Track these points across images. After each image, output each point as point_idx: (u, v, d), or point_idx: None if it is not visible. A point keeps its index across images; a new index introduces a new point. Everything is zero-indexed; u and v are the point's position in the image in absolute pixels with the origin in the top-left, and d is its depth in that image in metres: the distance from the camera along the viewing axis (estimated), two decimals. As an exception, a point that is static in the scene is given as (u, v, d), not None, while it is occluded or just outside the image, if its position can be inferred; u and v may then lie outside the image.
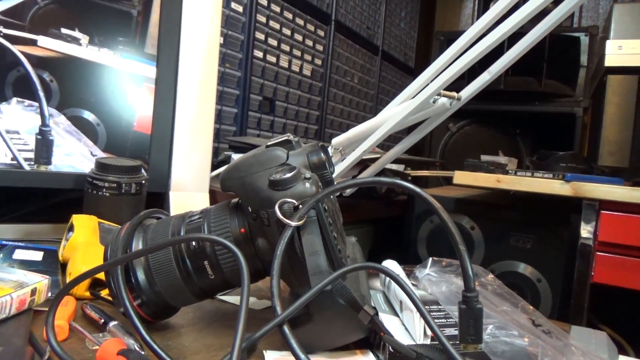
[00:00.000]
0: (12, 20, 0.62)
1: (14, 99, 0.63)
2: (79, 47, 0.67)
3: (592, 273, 0.91)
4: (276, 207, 0.36)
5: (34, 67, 0.64)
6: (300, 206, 0.36)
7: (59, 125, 0.66)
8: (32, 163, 0.66)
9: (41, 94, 0.63)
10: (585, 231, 0.92)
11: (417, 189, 0.33)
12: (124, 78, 0.73)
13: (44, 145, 0.66)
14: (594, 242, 0.91)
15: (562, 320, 0.97)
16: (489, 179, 0.98)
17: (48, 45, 0.65)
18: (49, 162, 0.67)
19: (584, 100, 1.80)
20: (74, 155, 0.69)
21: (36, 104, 0.65)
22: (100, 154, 0.71)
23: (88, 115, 0.69)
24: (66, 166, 0.69)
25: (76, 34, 0.66)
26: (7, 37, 0.62)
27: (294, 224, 0.35)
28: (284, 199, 0.36)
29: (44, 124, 0.65)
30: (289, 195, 0.37)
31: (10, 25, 0.62)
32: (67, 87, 0.68)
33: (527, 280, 1.03)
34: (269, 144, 0.42)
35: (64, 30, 0.66)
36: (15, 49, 0.63)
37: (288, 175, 0.37)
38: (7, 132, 0.62)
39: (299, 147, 0.42)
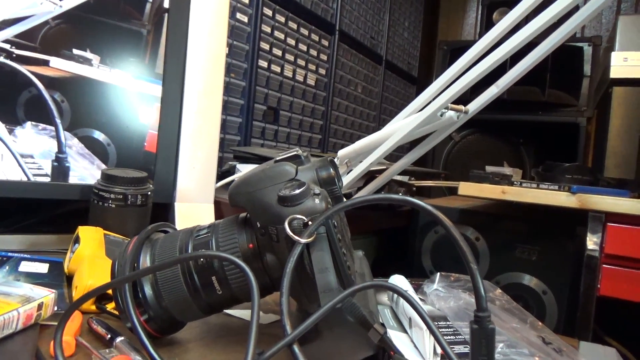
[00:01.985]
0: (24, 42, 0.63)
1: (28, 123, 0.63)
2: (90, 67, 0.67)
3: (599, 286, 0.90)
4: (286, 224, 0.36)
5: (45, 87, 0.64)
6: (310, 223, 0.36)
7: (72, 148, 0.66)
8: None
9: (58, 120, 0.64)
10: (592, 243, 0.91)
11: (430, 209, 0.33)
12: (135, 98, 0.73)
13: (60, 172, 0.66)
14: (600, 255, 0.90)
15: (568, 333, 0.96)
16: (495, 190, 0.98)
17: (60, 66, 0.65)
18: (65, 189, 0.67)
19: (588, 110, 1.80)
20: (88, 180, 0.69)
21: (49, 127, 0.66)
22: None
23: (99, 135, 0.69)
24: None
25: (88, 54, 0.66)
26: (19, 57, 0.62)
27: (303, 241, 0.35)
28: (294, 215, 0.36)
29: (60, 150, 0.65)
30: (298, 211, 0.37)
31: (22, 46, 0.63)
32: (78, 107, 0.68)
33: (532, 292, 1.02)
34: (277, 158, 0.42)
35: (75, 51, 0.66)
36: (29, 72, 0.63)
37: (297, 191, 0.37)
38: (22, 156, 0.62)
39: (307, 162, 0.42)
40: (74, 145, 0.66)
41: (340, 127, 1.79)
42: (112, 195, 0.65)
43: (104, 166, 0.71)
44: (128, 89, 0.72)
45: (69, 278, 0.54)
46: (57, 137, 0.64)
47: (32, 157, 0.64)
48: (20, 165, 0.62)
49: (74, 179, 0.68)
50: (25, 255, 0.57)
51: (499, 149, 1.99)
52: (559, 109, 1.84)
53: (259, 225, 0.39)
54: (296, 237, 0.35)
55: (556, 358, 0.40)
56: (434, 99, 0.58)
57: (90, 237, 0.58)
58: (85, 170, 0.68)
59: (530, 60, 0.56)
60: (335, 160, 0.73)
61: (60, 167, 0.66)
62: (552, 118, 1.86)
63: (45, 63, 0.64)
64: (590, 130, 1.86)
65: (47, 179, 0.66)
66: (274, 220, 0.37)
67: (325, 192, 0.39)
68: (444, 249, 1.12)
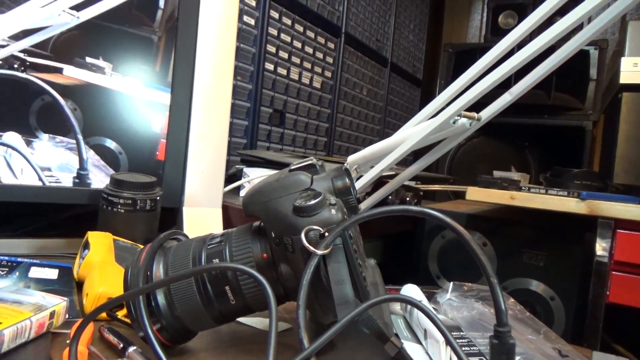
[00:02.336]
0: (36, 50, 0.62)
1: (46, 136, 0.63)
2: (103, 76, 0.67)
3: (608, 293, 0.89)
4: (302, 235, 0.35)
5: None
6: (327, 234, 0.35)
7: (87, 160, 0.66)
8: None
9: (80, 137, 0.63)
10: (601, 249, 0.90)
11: (450, 221, 0.33)
12: (146, 106, 0.73)
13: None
14: (610, 262, 0.90)
15: (576, 339, 0.96)
16: (503, 195, 0.97)
17: (73, 74, 0.65)
18: (85, 205, 0.67)
19: (594, 114, 1.79)
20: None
21: (66, 139, 0.66)
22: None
23: (110, 144, 0.69)
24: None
25: (100, 62, 0.66)
26: (32, 65, 0.62)
27: (320, 252, 0.35)
28: (310, 226, 0.36)
29: (82, 167, 0.65)
30: (314, 222, 0.36)
31: (33, 54, 0.62)
32: (91, 115, 0.68)
33: (540, 298, 1.01)
34: (292, 167, 0.41)
35: (88, 59, 0.66)
36: (47, 85, 0.62)
37: (313, 201, 0.36)
38: (41, 169, 0.62)
39: (322, 171, 0.41)
40: (89, 157, 0.66)
41: (345, 130, 1.78)
42: (121, 200, 0.64)
43: (118, 176, 0.71)
44: (140, 97, 0.72)
45: (79, 284, 0.54)
46: (79, 154, 0.64)
47: (49, 169, 0.64)
48: (40, 179, 0.62)
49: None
50: (35, 261, 0.56)
51: (504, 152, 1.99)
52: (564, 113, 1.84)
53: (273, 235, 0.39)
54: (313, 249, 0.35)
55: (573, 371, 0.40)
56: (445, 106, 0.58)
57: (100, 242, 0.57)
58: (101, 184, 0.68)
59: (546, 67, 0.56)
60: (345, 165, 0.73)
61: (81, 184, 0.66)
62: (557, 121, 1.85)
63: (58, 71, 0.64)
64: (596, 134, 1.86)
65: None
66: (289, 230, 0.37)
67: (341, 202, 0.38)
68: (451, 254, 1.11)
